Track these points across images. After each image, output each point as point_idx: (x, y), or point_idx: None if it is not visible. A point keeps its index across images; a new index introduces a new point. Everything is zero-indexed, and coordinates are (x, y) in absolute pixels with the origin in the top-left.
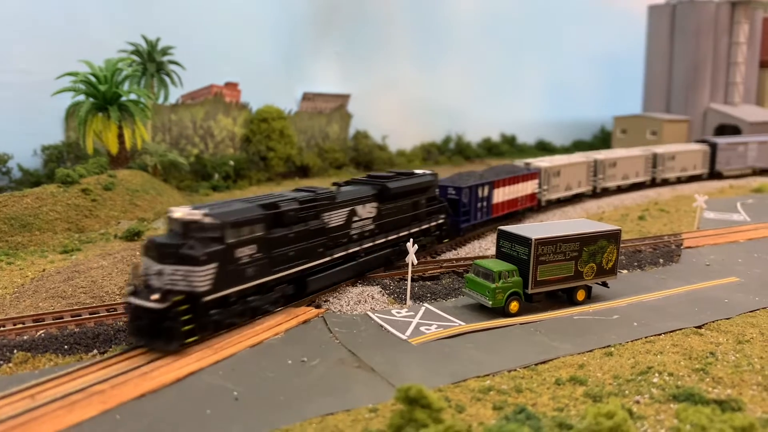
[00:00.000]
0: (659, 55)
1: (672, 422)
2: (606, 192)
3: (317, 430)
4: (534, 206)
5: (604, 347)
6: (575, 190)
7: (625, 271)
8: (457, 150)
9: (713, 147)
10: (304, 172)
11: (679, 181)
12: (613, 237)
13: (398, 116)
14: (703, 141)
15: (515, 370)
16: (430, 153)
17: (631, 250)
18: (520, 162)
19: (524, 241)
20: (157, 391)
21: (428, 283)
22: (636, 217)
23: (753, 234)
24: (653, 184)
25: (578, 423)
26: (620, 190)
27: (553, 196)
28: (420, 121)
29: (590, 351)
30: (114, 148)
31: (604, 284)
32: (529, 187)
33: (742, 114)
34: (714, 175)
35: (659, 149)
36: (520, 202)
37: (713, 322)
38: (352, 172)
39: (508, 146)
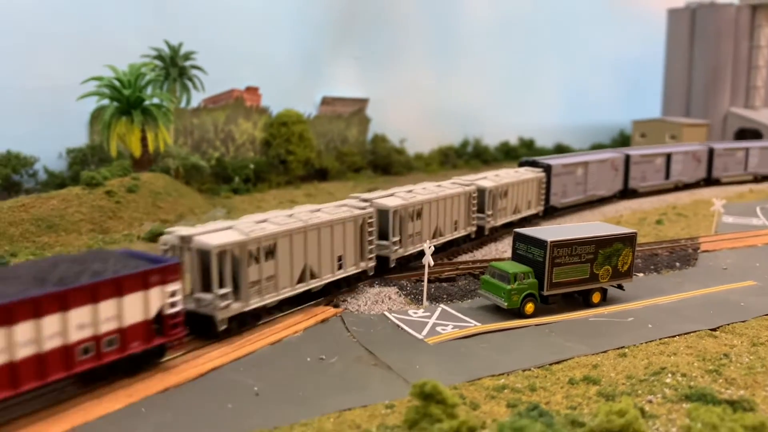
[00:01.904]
0: (679, 59)
1: (684, 421)
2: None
3: (335, 425)
4: (148, 350)
5: (618, 348)
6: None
7: (641, 275)
8: (474, 154)
9: (548, 172)
10: (322, 175)
11: (509, 226)
12: (629, 240)
13: (416, 120)
14: (532, 163)
15: (529, 369)
16: (448, 156)
17: (648, 254)
18: (172, 239)
19: (540, 243)
20: (180, 386)
21: (444, 284)
22: (653, 221)
23: None
24: (479, 236)
25: (590, 420)
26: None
27: (254, 304)
28: (438, 124)
29: (604, 352)
30: (137, 152)
31: (620, 287)
32: (128, 312)
33: (763, 118)
34: (549, 211)
35: (488, 181)
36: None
37: (728, 324)
38: (370, 175)
39: (526, 150)
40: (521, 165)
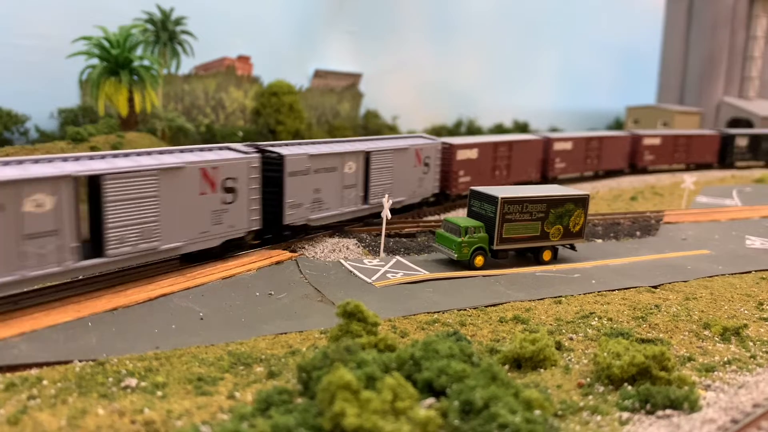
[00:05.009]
0: (675, 47)
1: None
2: None
3: (268, 345)
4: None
5: (555, 297)
6: None
7: (599, 241)
8: (468, 134)
9: None
10: None
11: None
12: (581, 201)
13: (410, 97)
14: None
15: (465, 309)
16: (440, 135)
17: (610, 222)
18: None
19: (491, 199)
20: (129, 307)
21: (404, 239)
22: (628, 198)
23: (736, 215)
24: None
25: (505, 347)
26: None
27: None
28: (431, 103)
29: (541, 299)
30: (124, 111)
31: (572, 247)
32: None
33: (755, 108)
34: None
35: None
36: None
37: (669, 283)
38: None
39: (520, 132)
40: None
